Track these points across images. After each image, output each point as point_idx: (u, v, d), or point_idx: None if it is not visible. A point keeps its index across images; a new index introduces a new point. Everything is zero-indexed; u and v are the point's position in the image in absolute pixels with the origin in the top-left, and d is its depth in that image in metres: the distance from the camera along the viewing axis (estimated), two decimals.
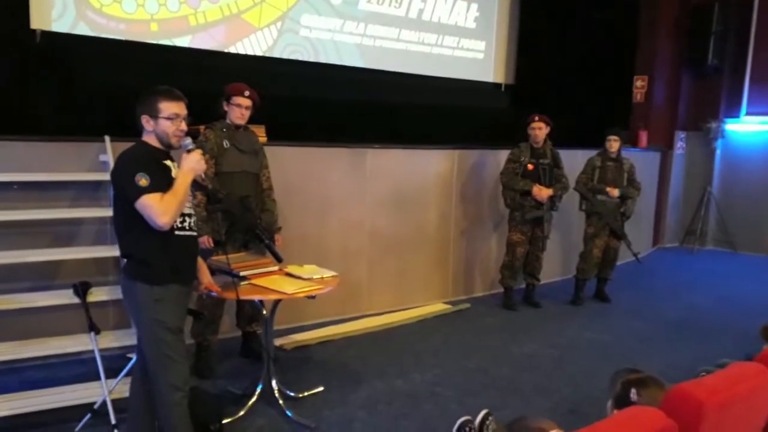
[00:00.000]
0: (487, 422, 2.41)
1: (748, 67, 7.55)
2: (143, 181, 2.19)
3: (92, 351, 2.79)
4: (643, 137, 7.26)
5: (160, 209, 2.20)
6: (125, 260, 2.37)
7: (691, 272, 6.71)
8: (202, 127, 3.46)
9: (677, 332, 4.59)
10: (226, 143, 3.39)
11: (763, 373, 1.73)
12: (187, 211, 2.37)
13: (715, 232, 7.93)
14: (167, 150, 2.36)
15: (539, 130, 4.77)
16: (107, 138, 3.47)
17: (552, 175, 4.81)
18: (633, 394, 1.79)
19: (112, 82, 4.19)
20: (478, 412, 2.67)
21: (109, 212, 3.38)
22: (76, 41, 4.29)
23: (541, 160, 4.79)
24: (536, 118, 4.80)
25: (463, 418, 2.36)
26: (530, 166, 4.76)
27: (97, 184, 3.52)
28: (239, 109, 3.41)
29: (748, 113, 7.63)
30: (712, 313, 5.12)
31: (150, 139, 2.33)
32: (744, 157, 7.71)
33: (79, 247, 3.46)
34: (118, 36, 4.47)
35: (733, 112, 7.71)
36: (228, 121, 3.45)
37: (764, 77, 7.43)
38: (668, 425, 1.39)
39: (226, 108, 3.45)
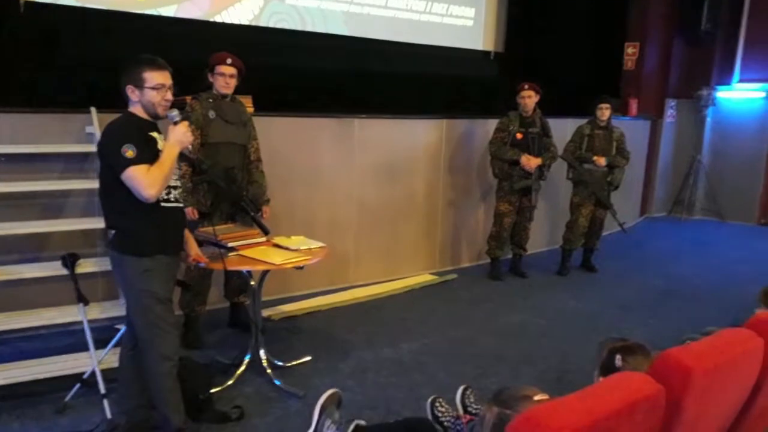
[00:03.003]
0: (467, 393, 2.46)
1: (742, 32, 7.48)
2: (130, 152, 2.18)
3: (81, 322, 2.81)
4: (633, 105, 7.23)
5: (146, 181, 2.19)
6: (112, 232, 2.38)
7: (678, 242, 6.77)
8: (188, 98, 3.42)
9: (663, 301, 4.66)
10: (211, 114, 3.36)
11: (753, 339, 1.73)
12: (173, 183, 2.38)
13: (703, 202, 7.99)
14: (154, 121, 2.35)
15: (528, 98, 4.74)
16: (93, 109, 3.43)
17: (541, 144, 4.80)
18: (618, 360, 1.82)
19: (98, 52, 4.11)
20: (465, 381, 2.73)
21: (96, 184, 3.35)
22: (60, 11, 4.19)
23: (530, 129, 4.77)
24: (526, 86, 4.76)
25: (431, 397, 2.41)
26: (519, 135, 4.75)
27: (84, 156, 3.49)
28: (223, 78, 3.37)
29: (740, 80, 7.60)
30: (698, 282, 5.19)
31: (136, 109, 2.31)
32: (735, 125, 7.71)
33: (67, 219, 3.45)
34: (102, 6, 4.37)
35: (726, 79, 7.68)
36: (214, 91, 3.41)
37: (758, 43, 7.37)
38: (656, 390, 1.40)
39: (211, 78, 3.41)
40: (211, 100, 3.39)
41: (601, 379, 1.79)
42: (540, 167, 4.77)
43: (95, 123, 3.39)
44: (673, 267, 5.66)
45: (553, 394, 1.51)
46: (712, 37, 7.49)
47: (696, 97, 7.69)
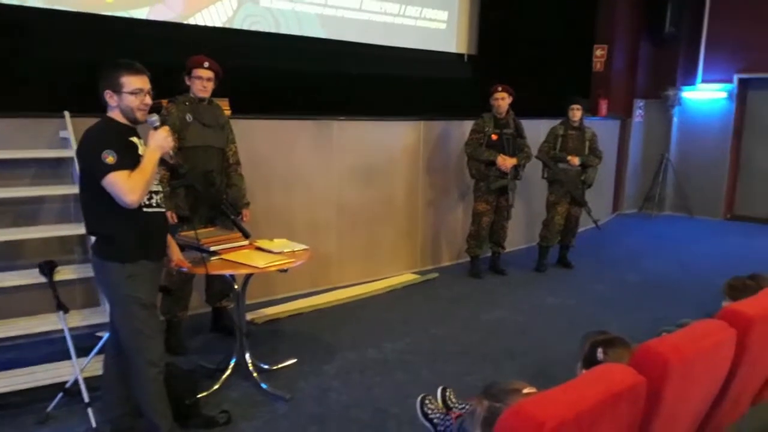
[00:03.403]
0: (447, 394, 2.50)
1: (703, 35, 7.75)
2: (110, 158, 2.16)
3: (60, 331, 2.76)
4: (603, 106, 7.41)
5: (127, 187, 2.18)
6: (94, 239, 2.35)
7: (650, 237, 6.96)
8: (164, 101, 3.39)
9: (638, 295, 4.79)
10: (189, 117, 3.34)
11: (725, 329, 1.80)
12: (154, 188, 2.36)
13: (673, 198, 8.23)
14: (133, 126, 2.33)
15: (502, 100, 4.83)
16: (67, 114, 3.37)
17: (515, 144, 4.89)
18: (600, 353, 1.88)
19: (70, 56, 4.05)
20: (449, 378, 2.77)
21: (71, 190, 3.31)
22: (29, 13, 4.11)
23: (504, 131, 4.86)
24: (499, 88, 4.85)
25: (421, 395, 2.45)
26: (494, 137, 4.83)
27: (58, 161, 3.43)
28: (200, 81, 3.35)
29: (704, 80, 7.86)
30: (671, 275, 5.35)
31: (115, 114, 2.29)
32: (700, 124, 7.97)
33: (43, 225, 3.38)
34: (72, 8, 4.30)
35: (690, 79, 7.94)
36: (191, 94, 3.39)
37: (719, 45, 7.65)
38: (638, 381, 1.45)
39: (188, 82, 3.39)
40: (187, 104, 3.37)
41: (583, 371, 1.84)
42: (515, 167, 4.86)
43: (69, 128, 3.34)
44: (646, 262, 5.81)
45: (536, 387, 1.56)
46: (676, 39, 7.75)
47: (663, 98, 7.93)
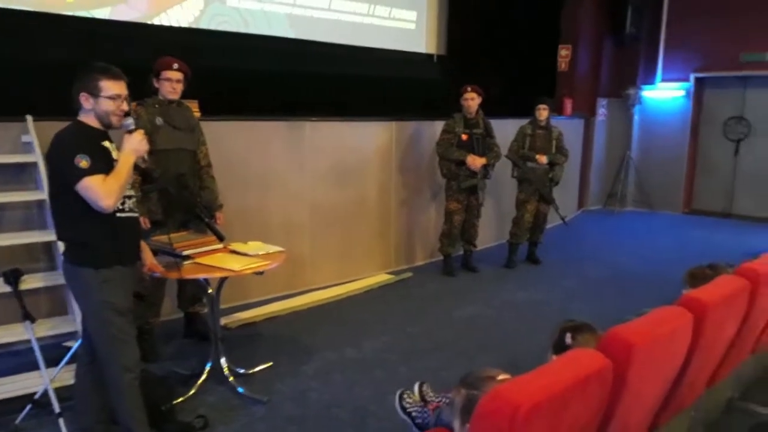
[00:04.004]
0: (424, 388, 2.54)
1: (662, 36, 8.02)
2: (84, 162, 2.12)
3: (26, 341, 2.68)
4: (568, 105, 7.59)
5: (102, 191, 2.14)
6: (65, 245, 2.30)
7: (613, 232, 7.17)
8: (133, 104, 3.32)
9: (603, 287, 4.94)
10: (159, 120, 3.28)
11: (683, 314, 1.92)
12: (126, 192, 2.31)
13: (635, 194, 8.49)
14: (106, 130, 2.29)
15: (472, 100, 4.90)
16: (29, 117, 3.27)
17: (485, 144, 4.97)
18: (568, 338, 1.97)
19: (30, 57, 3.92)
20: (426, 374, 2.80)
21: (35, 196, 3.22)
22: None
23: (474, 130, 4.93)
24: (468, 89, 4.91)
25: (399, 390, 2.49)
26: (464, 137, 4.89)
27: (21, 167, 3.32)
28: (170, 83, 3.30)
29: (663, 80, 8.13)
30: (634, 268, 5.53)
31: (88, 118, 2.25)
32: (659, 122, 8.24)
33: (6, 233, 3.26)
34: (30, 8, 4.16)
35: (650, 79, 8.20)
36: (160, 96, 3.33)
37: (677, 46, 7.93)
38: (605, 364, 1.53)
39: (156, 84, 3.33)
40: (157, 106, 3.31)
41: (554, 357, 1.92)
42: (485, 166, 4.94)
43: (32, 132, 3.24)
44: (611, 255, 5.99)
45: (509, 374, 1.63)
46: (636, 40, 7.99)
47: (624, 96, 8.17)
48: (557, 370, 1.49)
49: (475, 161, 4.86)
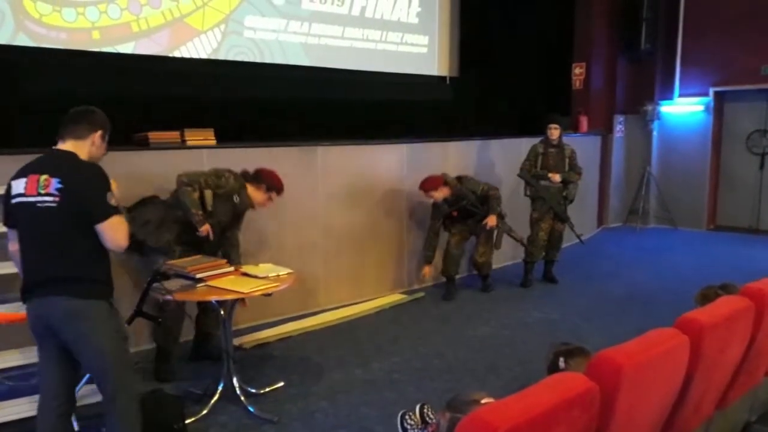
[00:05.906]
0: (425, 410, 2.57)
1: (678, 51, 7.97)
2: (113, 200, 2.20)
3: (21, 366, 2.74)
4: (584, 122, 7.57)
5: (126, 232, 2.24)
6: (73, 280, 2.22)
7: (633, 250, 7.06)
8: (150, 134, 3.48)
9: (620, 307, 4.87)
10: (235, 198, 3.55)
11: (677, 336, 1.89)
12: None
13: (657, 210, 8.36)
14: None
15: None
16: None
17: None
18: (561, 362, 1.99)
19: (58, 91, 4.14)
20: (435, 395, 2.83)
21: None
22: (16, 52, 4.22)
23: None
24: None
25: (401, 411, 2.53)
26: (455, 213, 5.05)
27: None
28: (270, 203, 3.69)
29: (681, 95, 8.06)
30: (654, 287, 5.44)
31: (82, 153, 2.27)
32: (679, 137, 8.14)
33: None
34: (59, 45, 4.42)
35: (667, 94, 8.13)
36: (254, 203, 3.64)
37: (694, 60, 7.86)
38: (590, 387, 1.53)
39: (258, 191, 3.60)
40: (237, 199, 3.55)
41: None
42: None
43: None
44: (630, 274, 5.91)
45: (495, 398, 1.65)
46: (652, 55, 7.96)
47: (642, 113, 8.11)
48: (539, 392, 1.50)
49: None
